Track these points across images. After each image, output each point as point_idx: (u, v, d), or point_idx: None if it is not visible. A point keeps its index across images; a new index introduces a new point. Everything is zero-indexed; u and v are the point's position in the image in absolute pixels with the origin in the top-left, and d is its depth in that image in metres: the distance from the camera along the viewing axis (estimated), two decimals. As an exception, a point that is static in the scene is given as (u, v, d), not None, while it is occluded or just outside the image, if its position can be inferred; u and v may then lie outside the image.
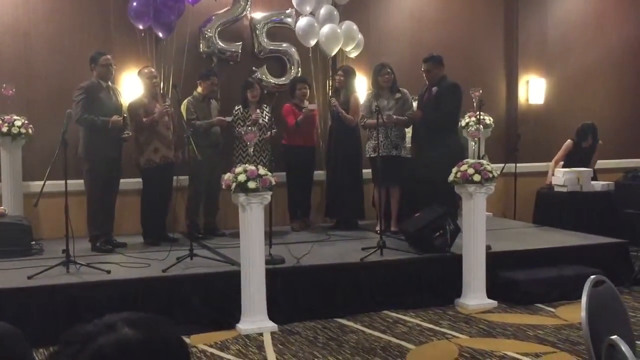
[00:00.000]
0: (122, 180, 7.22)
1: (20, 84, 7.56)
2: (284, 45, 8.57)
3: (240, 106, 7.87)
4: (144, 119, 7.12)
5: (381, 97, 7.75)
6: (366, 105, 7.89)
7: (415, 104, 8.02)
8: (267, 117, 7.81)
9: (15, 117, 7.32)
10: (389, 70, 7.80)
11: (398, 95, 7.80)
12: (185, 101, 7.56)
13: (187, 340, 5.51)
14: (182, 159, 7.35)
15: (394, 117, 7.60)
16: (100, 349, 1.18)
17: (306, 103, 8.02)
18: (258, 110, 7.74)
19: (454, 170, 6.42)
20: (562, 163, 8.90)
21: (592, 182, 8.63)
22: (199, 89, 7.68)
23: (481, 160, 6.58)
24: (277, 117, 8.02)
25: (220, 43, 8.26)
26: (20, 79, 7.62)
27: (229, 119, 7.69)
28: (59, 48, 7.82)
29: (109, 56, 7.01)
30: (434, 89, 7.57)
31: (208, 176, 7.56)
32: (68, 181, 6.07)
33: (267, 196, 5.77)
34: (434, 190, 7.13)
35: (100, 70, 6.93)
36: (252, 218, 5.73)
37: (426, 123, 7.59)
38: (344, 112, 8.01)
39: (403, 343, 5.46)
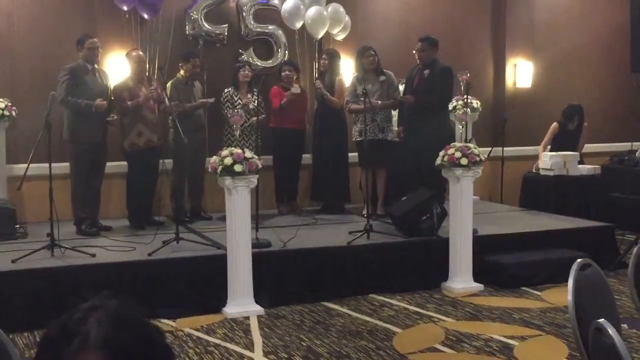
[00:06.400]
0: (108, 164, 7.17)
1: (3, 66, 7.48)
2: (271, 27, 8.50)
3: (231, 88, 7.81)
4: (128, 103, 7.05)
5: (366, 81, 7.70)
6: (351, 89, 7.84)
7: (401, 87, 7.99)
8: (256, 102, 7.74)
9: (-2, 99, 7.25)
10: (372, 52, 7.75)
11: (382, 77, 7.75)
12: (169, 84, 7.49)
13: (172, 324, 5.50)
14: (166, 142, 7.30)
15: (379, 102, 7.56)
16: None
17: (295, 86, 7.97)
18: (249, 95, 7.70)
19: (441, 153, 6.41)
20: (549, 147, 8.91)
21: (579, 166, 8.66)
22: (181, 72, 7.60)
23: (468, 144, 6.57)
24: (264, 100, 7.95)
25: (207, 25, 8.18)
26: (4, 61, 7.53)
27: (211, 100, 7.63)
28: (42, 29, 7.71)
29: (95, 39, 6.96)
30: (426, 72, 7.48)
31: (192, 159, 7.51)
32: (52, 164, 6.01)
33: (254, 179, 5.74)
34: (423, 173, 7.10)
35: (87, 53, 6.87)
36: (238, 201, 5.70)
37: (417, 106, 7.50)
38: (328, 94, 7.97)
39: (389, 326, 5.46)
